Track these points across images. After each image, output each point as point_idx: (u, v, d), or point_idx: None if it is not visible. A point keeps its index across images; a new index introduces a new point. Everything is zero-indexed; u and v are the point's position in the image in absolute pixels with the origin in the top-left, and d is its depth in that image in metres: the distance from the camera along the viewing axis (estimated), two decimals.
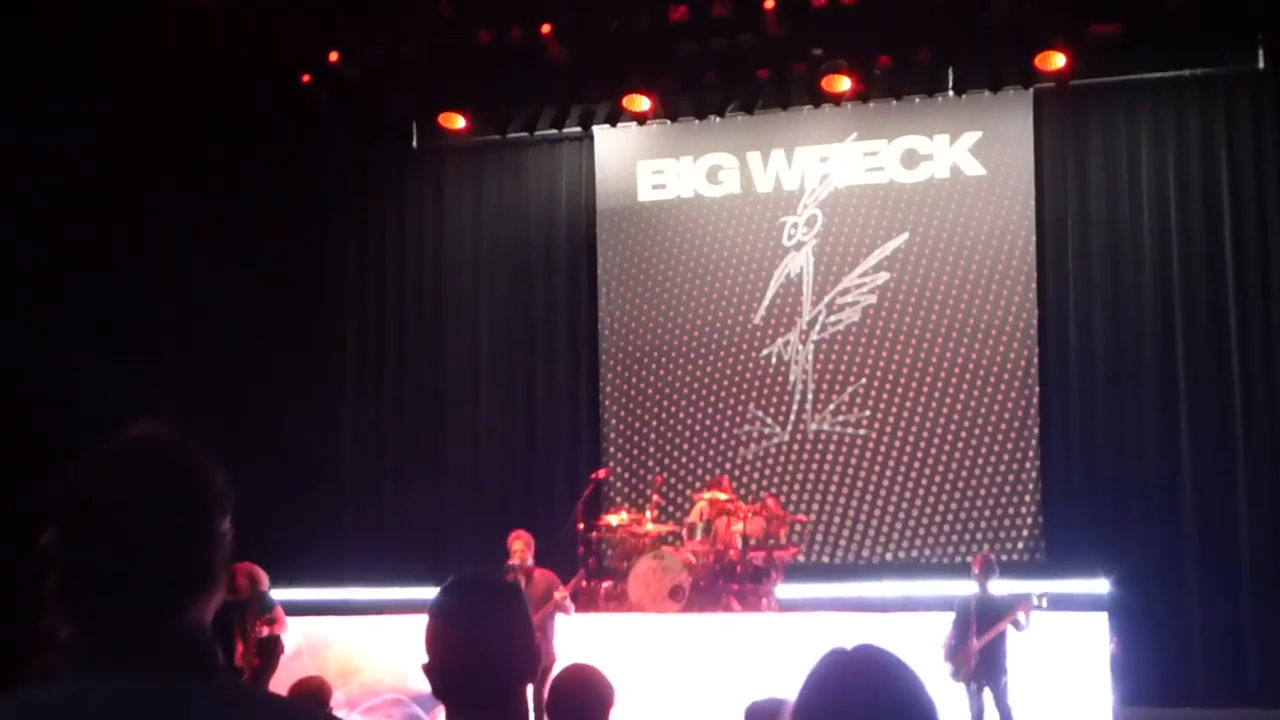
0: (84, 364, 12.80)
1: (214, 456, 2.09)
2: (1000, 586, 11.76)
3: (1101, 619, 12.52)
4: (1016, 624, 11.37)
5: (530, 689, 2.65)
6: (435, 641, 2.69)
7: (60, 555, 1.96)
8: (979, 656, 11.27)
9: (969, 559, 12.80)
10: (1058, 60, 14.55)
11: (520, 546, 12.33)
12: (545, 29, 14.98)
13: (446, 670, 2.67)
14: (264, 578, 12.35)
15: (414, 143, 17.45)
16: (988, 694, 11.40)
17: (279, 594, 12.74)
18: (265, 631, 12.17)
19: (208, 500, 2.02)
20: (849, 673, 2.85)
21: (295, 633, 13.00)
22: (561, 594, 12.12)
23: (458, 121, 16.49)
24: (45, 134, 13.17)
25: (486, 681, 2.65)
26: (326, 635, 13.96)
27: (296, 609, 13.24)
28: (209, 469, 2.04)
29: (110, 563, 1.93)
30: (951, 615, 11.73)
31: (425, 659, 2.70)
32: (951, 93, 15.66)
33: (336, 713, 7.53)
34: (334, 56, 15.60)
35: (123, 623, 1.92)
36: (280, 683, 11.47)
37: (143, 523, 1.94)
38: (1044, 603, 11.48)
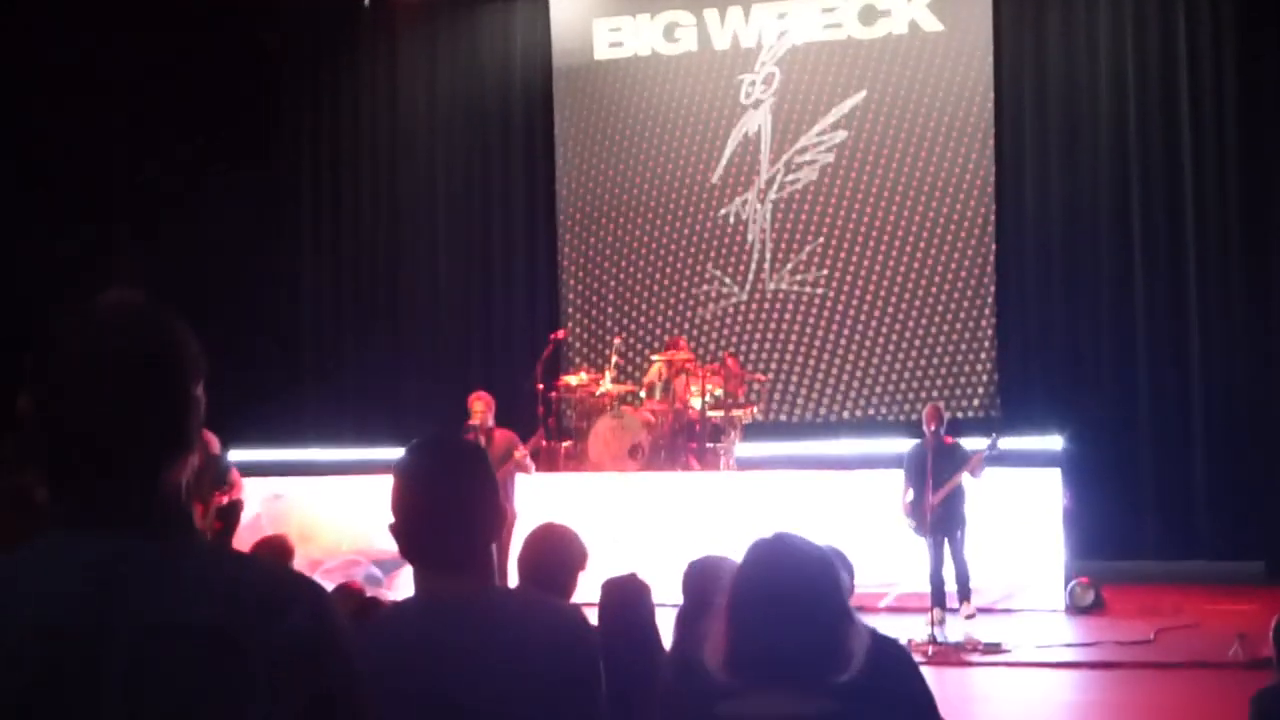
0: (34, 236, 12.73)
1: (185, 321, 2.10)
2: (951, 439, 11.87)
3: (1055, 475, 12.69)
4: (973, 472, 11.48)
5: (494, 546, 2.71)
6: (401, 502, 2.71)
7: (37, 416, 1.96)
8: (937, 510, 11.40)
9: (917, 415, 12.89)
10: None
11: (481, 407, 12.37)
12: None
13: (413, 531, 2.70)
14: (216, 442, 12.32)
15: (366, 2, 17.17)
16: (945, 546, 11.54)
17: (238, 456, 12.78)
18: (224, 500, 12.21)
19: (183, 362, 2.02)
20: (767, 558, 3.35)
21: (255, 495, 13.08)
22: (521, 453, 12.18)
23: None
24: None
25: (454, 540, 2.67)
26: (287, 497, 14.02)
27: (256, 469, 13.31)
28: (183, 333, 2.05)
29: (88, 422, 1.94)
30: (903, 471, 11.82)
31: (391, 520, 2.72)
32: None
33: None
34: None
35: (100, 482, 1.93)
36: (241, 544, 11.53)
37: (119, 382, 1.95)
38: (997, 445, 11.56)
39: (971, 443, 11.93)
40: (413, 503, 2.70)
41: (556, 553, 4.85)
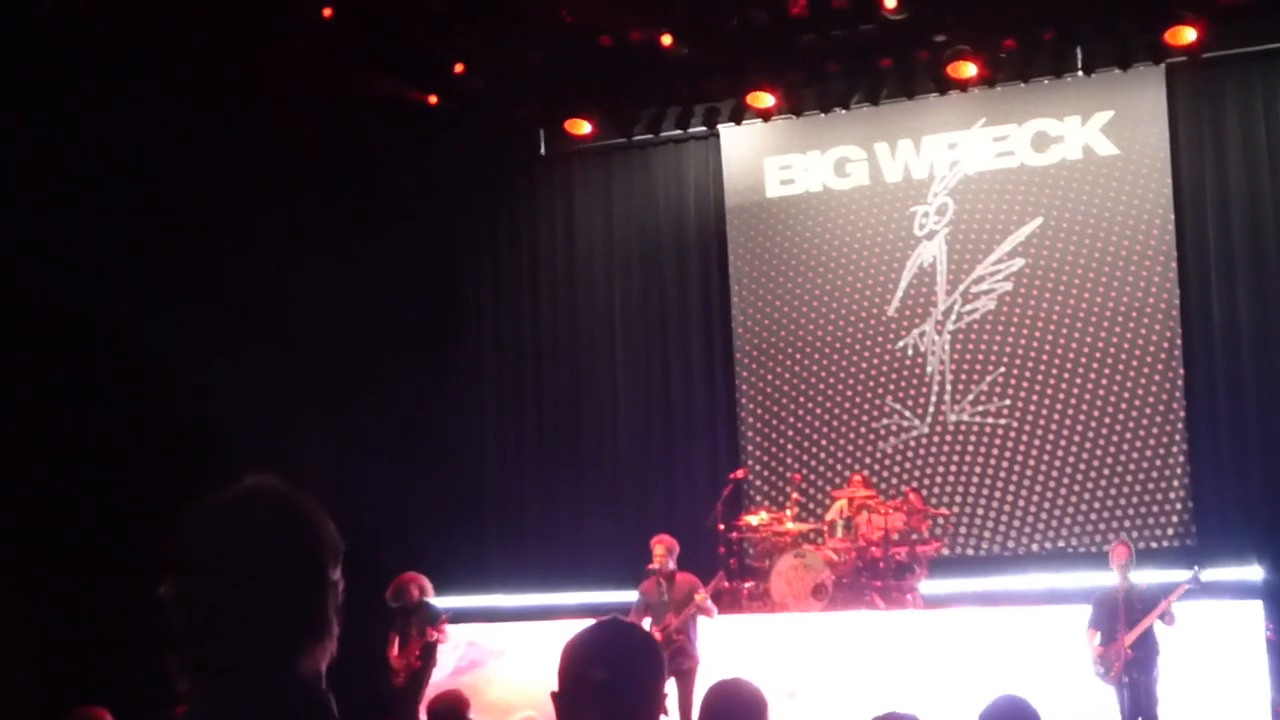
0: (215, 372, 13.12)
1: (322, 508, 2.11)
2: (1143, 577, 11.49)
3: (1257, 606, 12.23)
4: (1166, 617, 11.06)
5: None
6: (569, 678, 2.74)
7: (174, 606, 1.98)
8: (1131, 652, 10.98)
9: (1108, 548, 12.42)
10: (1188, 34, 14.24)
11: (661, 551, 12.37)
12: (665, 35, 14.96)
13: (577, 708, 2.72)
14: (429, 587, 12.82)
15: (541, 150, 17.50)
16: (1140, 687, 11.10)
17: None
18: (433, 636, 12.56)
19: (320, 550, 2.04)
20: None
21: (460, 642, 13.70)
22: (702, 595, 12.13)
23: (583, 127, 16.57)
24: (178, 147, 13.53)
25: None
26: (478, 644, 14.32)
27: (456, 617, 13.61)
28: (320, 519, 2.07)
29: (224, 613, 1.95)
30: (1089, 610, 11.43)
31: (556, 686, 2.75)
32: (1080, 72, 15.39)
33: None
34: (459, 68, 15.71)
35: (237, 673, 1.94)
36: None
37: (257, 572, 1.96)
38: (1199, 578, 11.11)
39: (1167, 575, 11.55)
40: (581, 682, 2.71)
41: (739, 708, 4.78)
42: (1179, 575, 11.46)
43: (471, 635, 14.46)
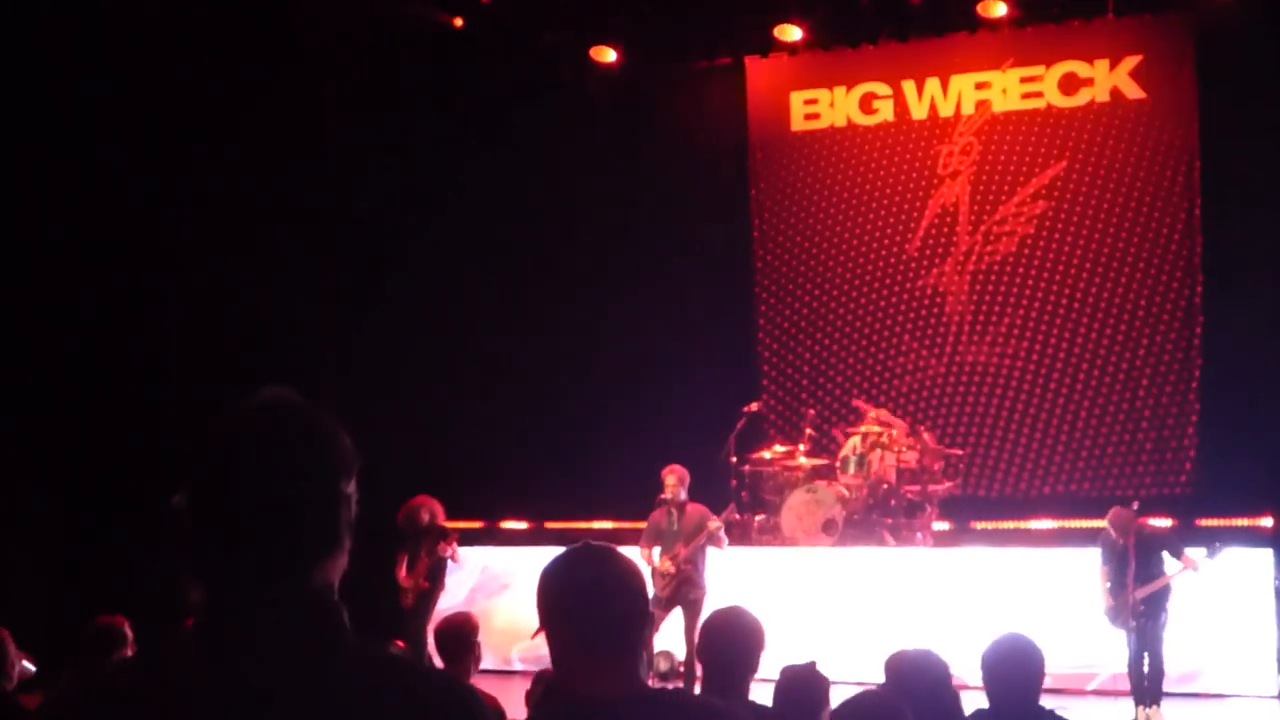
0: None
1: (339, 419, 2.13)
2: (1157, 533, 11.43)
3: (1267, 555, 12.25)
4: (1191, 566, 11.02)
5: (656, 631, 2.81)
6: (551, 606, 2.76)
7: (191, 516, 2.00)
8: (1142, 606, 10.97)
9: (1119, 499, 12.30)
10: None
11: (673, 481, 12.40)
12: None
13: (563, 635, 2.74)
14: (441, 511, 12.84)
15: (564, 76, 17.38)
16: (1147, 631, 11.10)
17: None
18: (443, 552, 12.58)
19: (334, 463, 2.05)
20: None
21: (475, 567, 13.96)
22: (716, 524, 12.15)
23: (609, 54, 16.49)
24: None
25: (602, 646, 2.70)
26: (490, 568, 14.44)
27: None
28: (335, 432, 2.08)
29: (239, 524, 1.97)
30: (1099, 554, 11.40)
31: (538, 624, 2.77)
32: (1111, 16, 15.25)
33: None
34: None
35: (252, 584, 1.96)
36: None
37: (271, 484, 1.98)
38: (1216, 554, 11.08)
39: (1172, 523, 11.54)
40: (564, 608, 2.73)
41: (735, 637, 4.83)
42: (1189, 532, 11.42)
43: (484, 560, 14.54)
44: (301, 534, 1.99)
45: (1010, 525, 14.53)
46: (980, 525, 14.56)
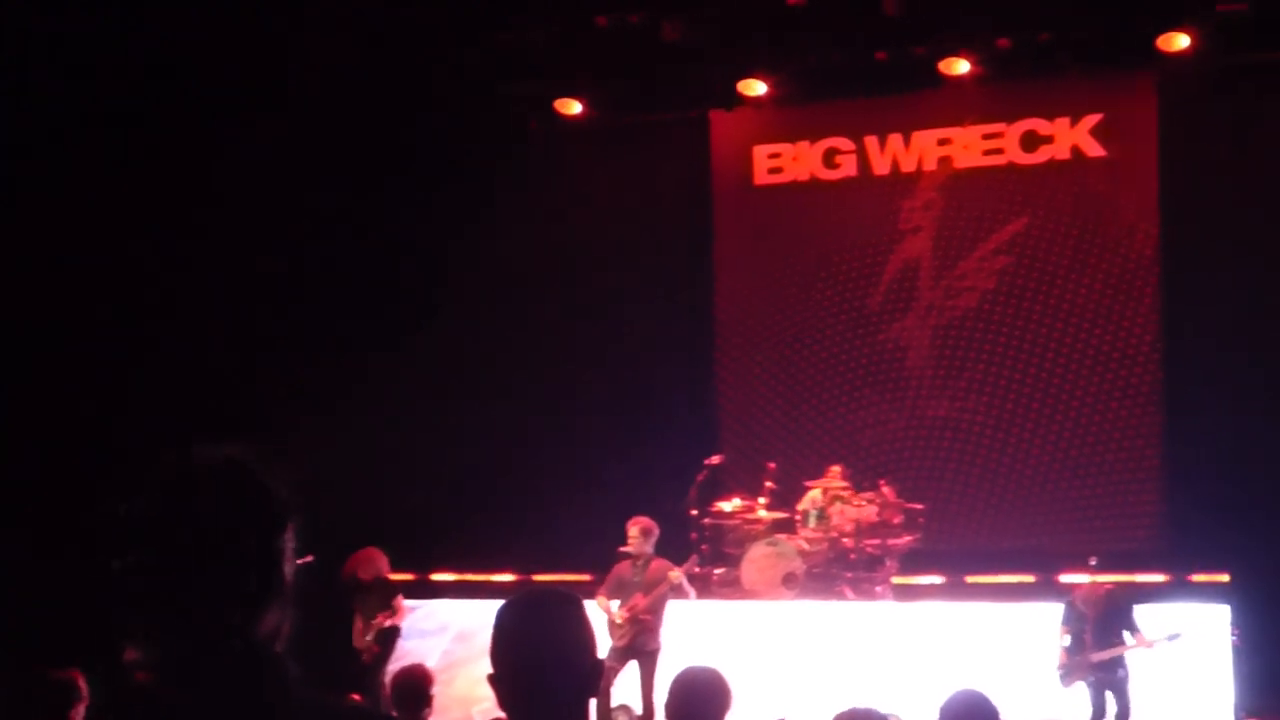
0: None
1: (278, 473, 2.13)
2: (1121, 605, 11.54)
3: (1224, 610, 12.29)
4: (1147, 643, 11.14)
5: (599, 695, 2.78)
6: (499, 654, 2.74)
7: (123, 576, 2.01)
8: (1097, 669, 11.07)
9: (1080, 553, 12.42)
10: (1182, 40, 14.27)
11: (636, 533, 12.39)
12: (663, 19, 14.95)
13: (510, 683, 2.72)
14: (385, 564, 12.63)
15: (530, 127, 17.42)
16: (1106, 685, 11.18)
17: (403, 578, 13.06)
18: (386, 622, 12.41)
19: (269, 516, 2.06)
20: None
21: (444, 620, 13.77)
22: (676, 574, 12.12)
23: (574, 107, 16.54)
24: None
25: (548, 695, 2.68)
26: (452, 627, 14.26)
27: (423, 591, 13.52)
28: (270, 485, 2.09)
29: (174, 579, 1.98)
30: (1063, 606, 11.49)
31: (491, 669, 2.75)
32: (1073, 74, 15.39)
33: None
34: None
35: (186, 637, 1.96)
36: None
37: (205, 541, 1.98)
38: (1177, 637, 11.23)
39: (1134, 578, 11.60)
40: (508, 655, 2.72)
41: (706, 701, 4.83)
42: (1153, 577, 11.53)
43: (446, 615, 14.37)
44: (235, 586, 1.99)
45: (971, 579, 14.53)
46: (940, 579, 14.57)
